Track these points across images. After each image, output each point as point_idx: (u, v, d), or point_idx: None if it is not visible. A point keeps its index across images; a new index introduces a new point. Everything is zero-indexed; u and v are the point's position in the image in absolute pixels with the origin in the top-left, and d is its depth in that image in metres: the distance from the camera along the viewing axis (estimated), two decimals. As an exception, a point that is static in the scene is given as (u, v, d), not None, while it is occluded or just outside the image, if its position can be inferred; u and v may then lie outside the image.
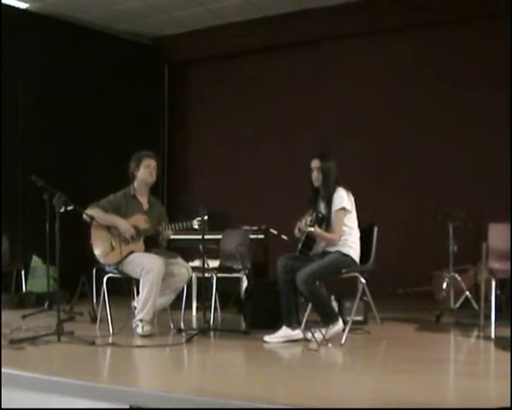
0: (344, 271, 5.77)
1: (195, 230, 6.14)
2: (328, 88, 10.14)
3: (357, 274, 5.79)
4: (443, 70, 9.31)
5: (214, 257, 7.41)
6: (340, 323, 5.71)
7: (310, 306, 5.99)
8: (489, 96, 8.82)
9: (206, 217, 6.01)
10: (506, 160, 8.56)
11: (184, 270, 6.26)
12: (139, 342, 5.75)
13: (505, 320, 6.27)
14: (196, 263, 7.23)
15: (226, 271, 7.06)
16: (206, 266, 6.45)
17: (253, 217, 8.59)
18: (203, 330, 6.04)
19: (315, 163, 5.88)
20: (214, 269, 6.88)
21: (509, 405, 3.42)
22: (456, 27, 9.12)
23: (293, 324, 5.77)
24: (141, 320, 5.98)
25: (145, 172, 6.37)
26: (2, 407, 4.11)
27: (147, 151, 6.48)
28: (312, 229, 5.67)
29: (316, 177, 5.87)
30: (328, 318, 5.70)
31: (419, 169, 9.38)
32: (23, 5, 9.43)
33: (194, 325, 7.07)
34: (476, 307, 6.88)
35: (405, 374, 4.52)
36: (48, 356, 5.19)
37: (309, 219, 5.74)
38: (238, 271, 7.07)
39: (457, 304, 7.23)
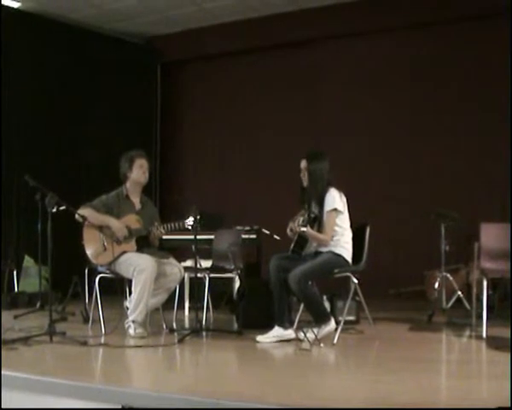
0: (336, 271, 5.77)
1: (188, 230, 6.14)
2: (322, 88, 10.16)
3: (349, 274, 5.81)
4: (439, 70, 9.34)
5: (206, 257, 7.40)
6: (333, 323, 5.72)
7: (302, 306, 6.00)
8: (484, 97, 8.86)
9: (198, 217, 6.01)
10: (498, 160, 8.61)
11: (177, 270, 6.25)
12: (131, 342, 5.75)
13: (497, 320, 6.31)
14: (189, 263, 7.23)
15: (219, 271, 7.06)
16: (198, 266, 6.44)
17: (246, 217, 8.60)
18: (195, 331, 6.04)
19: (302, 163, 5.90)
20: (206, 269, 6.87)
21: (508, 404, 3.42)
22: (455, 26, 9.15)
23: (286, 323, 5.77)
24: (133, 321, 5.98)
25: (138, 172, 6.35)
26: (-1, 407, 4.11)
27: (137, 150, 6.46)
28: (305, 229, 5.67)
29: (303, 177, 5.90)
30: (320, 318, 5.70)
31: (412, 169, 9.40)
32: (15, 4, 9.40)
33: (187, 325, 7.06)
34: (468, 306, 6.90)
35: (398, 374, 4.52)
36: (40, 356, 5.18)
37: (301, 219, 5.75)
38: (230, 271, 7.06)
39: (449, 304, 7.26)
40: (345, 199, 5.85)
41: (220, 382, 4.35)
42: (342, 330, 5.77)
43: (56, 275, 5.99)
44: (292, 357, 5.41)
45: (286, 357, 5.46)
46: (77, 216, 6.05)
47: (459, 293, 7.15)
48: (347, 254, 5.80)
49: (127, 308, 6.15)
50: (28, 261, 8.94)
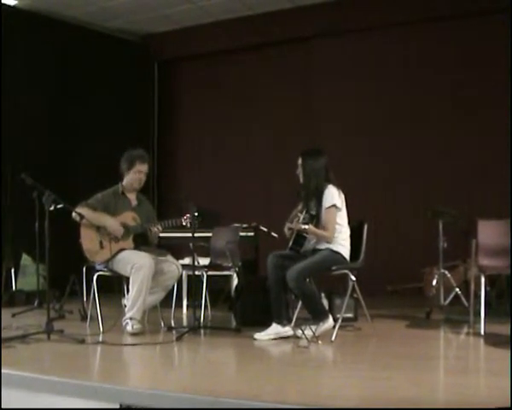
0: (334, 268, 5.77)
1: (185, 227, 6.13)
2: (318, 85, 10.14)
3: (347, 271, 5.80)
4: (436, 67, 9.31)
5: (204, 255, 7.40)
6: (330, 320, 5.72)
7: (300, 303, 6.00)
8: (483, 95, 8.85)
9: (195, 214, 6.00)
10: (496, 158, 8.61)
11: (174, 267, 6.25)
12: (129, 340, 5.75)
13: (494, 317, 6.31)
14: (186, 261, 7.22)
15: (216, 268, 7.05)
16: (196, 263, 6.44)
17: (243, 214, 8.59)
18: (193, 328, 6.04)
19: (299, 161, 5.92)
20: (204, 267, 6.86)
21: (507, 402, 3.42)
22: (451, 23, 9.13)
23: (284, 321, 5.77)
24: (131, 318, 5.97)
25: (134, 177, 6.32)
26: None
27: (139, 151, 6.41)
28: (307, 227, 5.66)
29: (299, 174, 5.91)
30: (318, 315, 5.70)
31: (410, 167, 9.39)
32: (11, 2, 9.37)
33: (185, 322, 7.06)
34: (466, 303, 6.89)
35: (396, 370, 4.52)
36: (37, 355, 5.18)
37: (301, 216, 5.75)
38: (228, 268, 7.06)
39: (447, 301, 7.24)
40: (343, 196, 5.86)
41: (218, 379, 4.34)
42: (340, 328, 5.77)
43: (54, 273, 5.96)
44: (290, 354, 5.41)
45: (284, 354, 5.46)
46: (74, 214, 6.05)
47: (457, 290, 7.14)
48: (345, 251, 5.80)
49: (125, 306, 6.15)
50: (26, 260, 8.92)
